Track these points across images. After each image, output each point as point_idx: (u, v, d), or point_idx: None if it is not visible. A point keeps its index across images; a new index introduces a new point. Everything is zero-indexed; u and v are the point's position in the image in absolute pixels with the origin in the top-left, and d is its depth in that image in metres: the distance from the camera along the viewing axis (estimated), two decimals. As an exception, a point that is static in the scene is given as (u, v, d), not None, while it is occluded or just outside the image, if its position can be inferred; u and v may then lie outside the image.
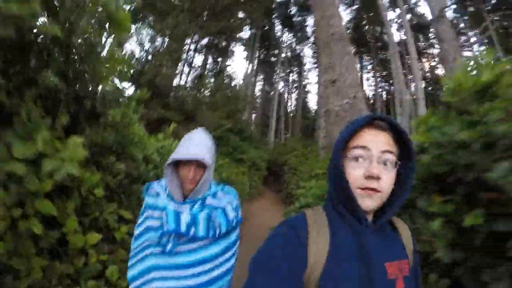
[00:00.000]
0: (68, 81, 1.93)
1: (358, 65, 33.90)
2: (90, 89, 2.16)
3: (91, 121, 2.26)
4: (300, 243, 0.81)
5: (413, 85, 19.94)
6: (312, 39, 30.09)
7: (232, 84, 18.54)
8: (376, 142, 0.84)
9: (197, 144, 1.47)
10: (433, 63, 28.52)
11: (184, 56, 15.58)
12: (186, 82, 15.87)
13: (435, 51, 27.05)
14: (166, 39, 12.39)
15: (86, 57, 1.98)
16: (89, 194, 1.96)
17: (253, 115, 32.02)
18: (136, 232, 1.53)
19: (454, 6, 21.45)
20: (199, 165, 1.46)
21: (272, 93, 33.50)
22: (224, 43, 21.49)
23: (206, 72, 18.70)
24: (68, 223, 1.75)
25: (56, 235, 1.75)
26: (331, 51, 6.83)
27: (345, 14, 30.50)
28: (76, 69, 1.99)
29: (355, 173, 0.84)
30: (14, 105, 1.53)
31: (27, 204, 1.54)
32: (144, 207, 1.56)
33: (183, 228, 1.35)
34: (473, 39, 22.43)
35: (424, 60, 30.01)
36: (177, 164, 1.52)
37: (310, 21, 31.83)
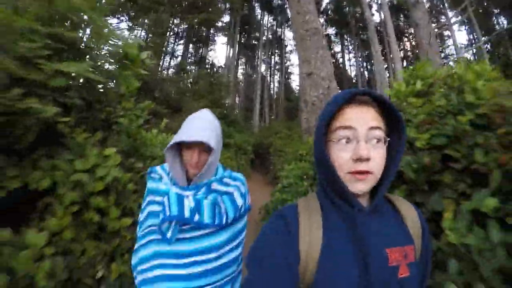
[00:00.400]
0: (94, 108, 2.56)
1: (338, 48, 34.55)
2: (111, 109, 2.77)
3: (108, 130, 2.88)
4: (290, 235, 0.79)
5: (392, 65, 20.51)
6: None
7: (214, 70, 18.84)
8: (360, 119, 0.78)
9: (201, 125, 1.37)
10: (414, 43, 29.11)
11: (165, 48, 15.93)
12: (168, 74, 16.19)
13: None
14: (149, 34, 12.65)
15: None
16: (122, 189, 2.56)
17: (237, 99, 32.29)
18: (140, 217, 1.46)
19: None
20: (204, 148, 1.38)
21: (254, 76, 33.46)
22: (204, 33, 21.61)
23: (187, 61, 18.94)
24: (111, 212, 2.34)
25: (100, 222, 2.34)
26: (306, 46, 7.45)
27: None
28: (100, 98, 2.60)
29: (342, 157, 0.78)
30: (68, 132, 2.17)
31: (87, 201, 2.16)
32: (147, 192, 1.47)
33: (186, 213, 1.27)
34: (453, 20, 22.89)
35: (405, 40, 30.64)
36: (180, 148, 1.44)
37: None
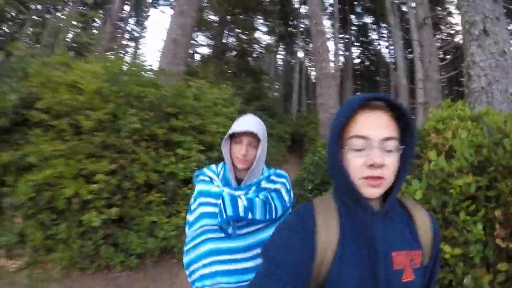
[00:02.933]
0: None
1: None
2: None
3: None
4: (307, 233, 0.80)
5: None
6: (329, 10, 31.55)
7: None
8: (375, 129, 0.77)
9: (248, 120, 1.53)
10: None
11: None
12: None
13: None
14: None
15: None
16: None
17: (277, 86, 33.69)
18: (190, 218, 1.57)
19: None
20: (251, 142, 1.49)
21: (293, 61, 34.29)
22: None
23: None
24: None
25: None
26: (321, 84, 10.18)
27: None
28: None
29: (355, 163, 0.78)
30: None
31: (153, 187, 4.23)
32: (197, 194, 1.58)
33: (241, 213, 1.37)
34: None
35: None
36: (231, 145, 1.56)
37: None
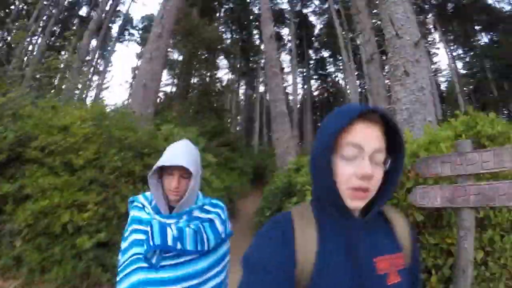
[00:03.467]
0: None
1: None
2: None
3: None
4: (285, 240, 0.80)
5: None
6: (288, 45, 33.59)
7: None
8: (369, 140, 0.79)
9: (180, 152, 1.47)
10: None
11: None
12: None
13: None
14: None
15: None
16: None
17: (239, 118, 34.45)
18: (123, 246, 1.50)
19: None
20: (183, 174, 1.46)
21: (254, 96, 35.81)
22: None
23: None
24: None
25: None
26: (276, 121, 11.46)
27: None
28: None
29: (345, 171, 0.79)
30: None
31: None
32: (130, 221, 1.54)
33: (169, 242, 1.33)
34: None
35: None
36: (162, 175, 1.52)
37: (285, 29, 35.36)
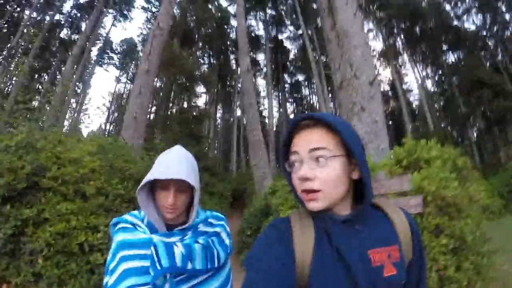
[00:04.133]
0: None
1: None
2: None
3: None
4: (285, 240, 0.83)
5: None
6: (264, 70, 35.02)
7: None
8: (303, 144, 0.84)
9: (178, 162, 1.23)
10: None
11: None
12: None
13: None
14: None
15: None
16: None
17: (216, 142, 34.93)
18: (110, 281, 1.14)
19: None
20: (180, 188, 1.23)
21: (231, 120, 36.55)
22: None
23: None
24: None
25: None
26: (254, 149, 12.56)
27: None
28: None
29: (294, 178, 0.86)
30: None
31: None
32: (116, 247, 1.20)
33: (178, 263, 1.13)
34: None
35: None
36: (153, 190, 1.28)
37: (261, 55, 36.76)
